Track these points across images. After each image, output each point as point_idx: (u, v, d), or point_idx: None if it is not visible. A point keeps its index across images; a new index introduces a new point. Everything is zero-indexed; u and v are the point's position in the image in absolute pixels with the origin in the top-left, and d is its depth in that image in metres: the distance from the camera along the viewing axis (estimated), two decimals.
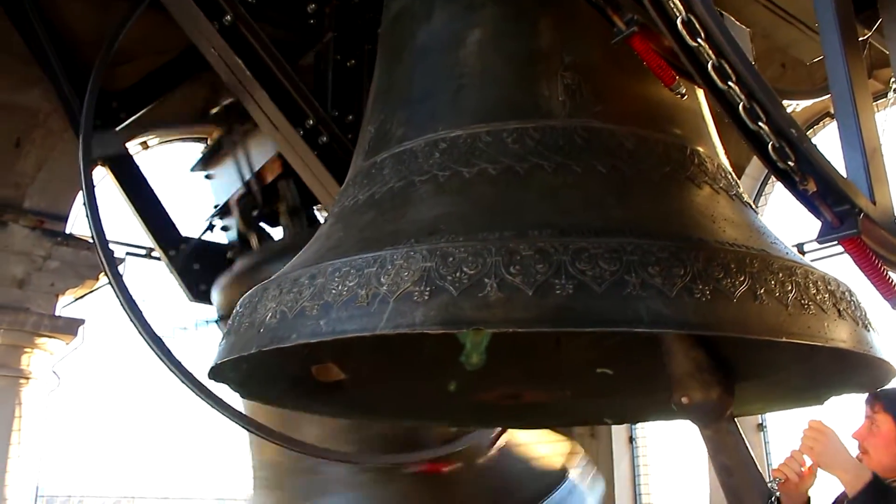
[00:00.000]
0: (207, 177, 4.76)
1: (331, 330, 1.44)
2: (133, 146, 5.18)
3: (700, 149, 1.88)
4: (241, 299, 1.77)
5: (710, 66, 1.43)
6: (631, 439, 7.28)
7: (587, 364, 2.47)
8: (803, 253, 5.68)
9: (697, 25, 1.41)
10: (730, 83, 1.43)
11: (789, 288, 1.47)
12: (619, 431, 7.17)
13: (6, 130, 5.02)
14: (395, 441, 3.56)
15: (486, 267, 1.36)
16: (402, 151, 1.85)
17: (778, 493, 2.04)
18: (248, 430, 3.27)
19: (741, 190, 1.91)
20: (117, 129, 4.53)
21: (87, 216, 3.54)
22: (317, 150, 3.21)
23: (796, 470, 2.46)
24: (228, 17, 3.29)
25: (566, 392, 2.57)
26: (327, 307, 1.46)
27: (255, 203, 4.20)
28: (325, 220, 1.96)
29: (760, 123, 1.43)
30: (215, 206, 4.60)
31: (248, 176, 4.26)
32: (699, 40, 1.42)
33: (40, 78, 4.84)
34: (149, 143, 5.60)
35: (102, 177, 4.54)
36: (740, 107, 1.43)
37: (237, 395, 2.22)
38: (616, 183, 1.67)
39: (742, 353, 2.09)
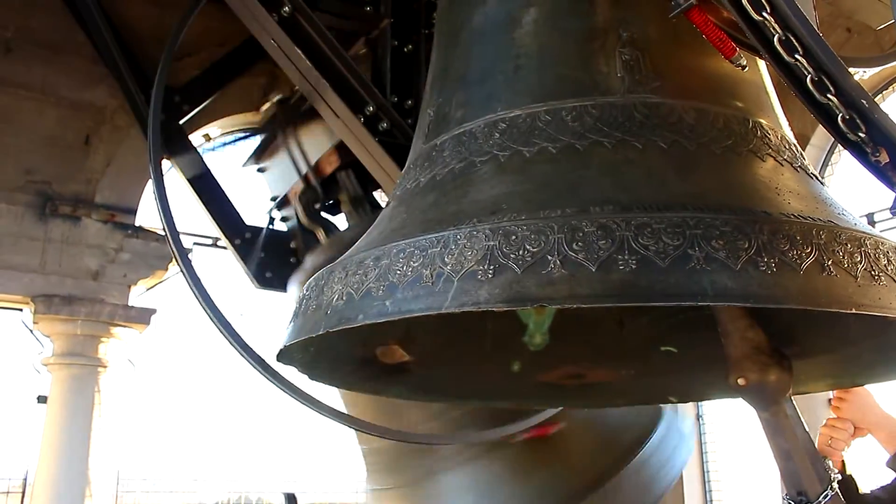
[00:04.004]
0: (260, 170, 4.87)
1: (397, 310, 1.46)
2: (196, 138, 5.30)
3: (762, 121, 1.84)
4: (308, 282, 1.80)
5: (776, 39, 1.41)
6: (698, 416, 7.19)
7: (651, 342, 2.46)
8: (873, 223, 5.52)
9: None
10: (797, 56, 1.40)
11: (858, 259, 1.44)
12: (685, 409, 7.08)
13: (76, 128, 5.21)
14: (500, 411, 3.55)
15: (549, 244, 1.36)
16: (462, 133, 1.86)
17: (839, 477, 2.00)
18: (325, 415, 3.31)
19: (806, 161, 1.87)
20: (181, 122, 4.64)
21: (158, 208, 3.64)
22: (378, 137, 3.26)
23: (834, 435, 2.48)
24: (287, 9, 3.35)
25: (630, 371, 2.56)
26: (392, 287, 1.48)
27: (316, 196, 4.27)
28: (388, 204, 1.98)
29: (829, 95, 1.39)
30: (273, 199, 4.70)
31: (304, 169, 4.34)
32: (764, 14, 1.40)
33: (105, 75, 5.00)
34: (210, 134, 5.73)
35: (168, 169, 4.67)
36: (808, 80, 1.40)
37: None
38: (677, 157, 1.65)
39: (810, 328, 2.06)
